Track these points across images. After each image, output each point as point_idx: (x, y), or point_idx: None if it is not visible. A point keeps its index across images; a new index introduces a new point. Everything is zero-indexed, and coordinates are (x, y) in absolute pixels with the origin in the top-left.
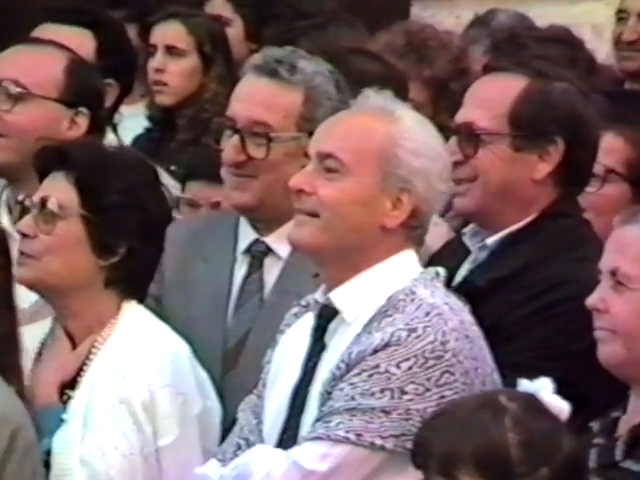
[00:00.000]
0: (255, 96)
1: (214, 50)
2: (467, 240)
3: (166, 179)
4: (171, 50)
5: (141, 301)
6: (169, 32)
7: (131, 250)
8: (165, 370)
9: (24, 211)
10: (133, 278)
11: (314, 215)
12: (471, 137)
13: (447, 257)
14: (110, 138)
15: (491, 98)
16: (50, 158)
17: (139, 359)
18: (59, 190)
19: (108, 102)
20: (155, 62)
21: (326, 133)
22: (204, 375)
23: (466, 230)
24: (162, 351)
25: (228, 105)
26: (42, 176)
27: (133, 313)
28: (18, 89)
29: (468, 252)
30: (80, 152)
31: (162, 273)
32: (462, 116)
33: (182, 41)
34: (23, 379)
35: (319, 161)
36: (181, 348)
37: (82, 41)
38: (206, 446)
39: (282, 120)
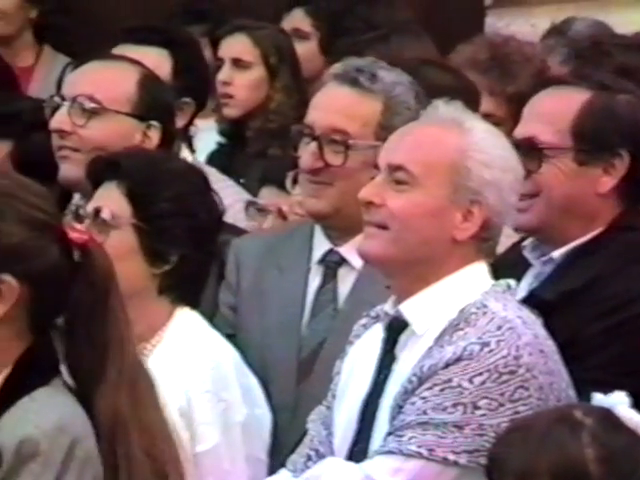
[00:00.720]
0: (335, 104)
1: (280, 61)
2: (527, 253)
3: (230, 186)
4: (237, 63)
5: (194, 307)
6: (235, 45)
7: (183, 257)
8: (206, 376)
9: (79, 221)
10: (185, 285)
11: (383, 227)
12: (533, 152)
13: (506, 270)
14: (184, 154)
15: (553, 112)
16: (102, 168)
17: (180, 365)
18: (111, 200)
19: (183, 120)
20: (222, 75)
21: (396, 145)
22: (254, 382)
23: (526, 243)
24: (205, 357)
25: (294, 115)
26: (95, 186)
27: (184, 320)
28: (92, 104)
29: (527, 265)
30: (130, 162)
31: (238, 283)
32: (523, 131)
33: (248, 53)
34: None
35: (389, 173)
36: (227, 354)
37: (159, 61)
38: (253, 454)
39: (361, 128)
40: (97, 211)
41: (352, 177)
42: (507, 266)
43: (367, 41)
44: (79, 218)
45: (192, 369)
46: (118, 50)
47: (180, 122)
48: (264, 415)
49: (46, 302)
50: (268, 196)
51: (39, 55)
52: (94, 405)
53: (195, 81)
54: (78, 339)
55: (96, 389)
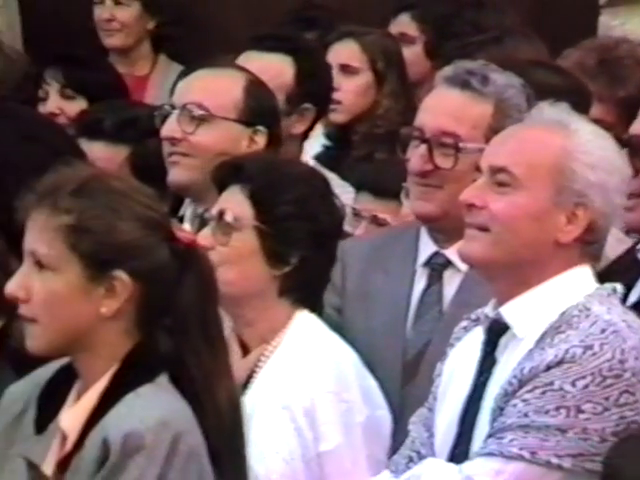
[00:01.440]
0: (445, 107)
1: (387, 66)
2: None
3: (341, 186)
4: (345, 68)
5: (314, 310)
6: (343, 51)
7: (303, 260)
8: (328, 377)
9: (203, 224)
10: (305, 287)
11: (485, 229)
12: None
13: (618, 274)
14: (305, 158)
15: None
16: (226, 172)
17: (303, 366)
18: (235, 203)
19: (303, 126)
20: None
21: (499, 147)
22: (373, 384)
23: None
24: (327, 359)
25: (401, 121)
26: (220, 190)
27: (304, 322)
28: (201, 112)
29: None
30: (253, 165)
31: (343, 285)
32: (637, 127)
33: (355, 59)
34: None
35: (491, 175)
36: (347, 356)
37: (282, 67)
38: (374, 455)
39: (471, 131)
40: (221, 214)
41: (461, 180)
42: (620, 270)
43: (478, 44)
44: (204, 221)
45: (314, 370)
46: (243, 57)
47: (300, 127)
48: (384, 416)
49: (154, 300)
50: (363, 202)
51: (154, 64)
52: (214, 399)
53: (317, 87)
54: (192, 337)
55: (215, 384)
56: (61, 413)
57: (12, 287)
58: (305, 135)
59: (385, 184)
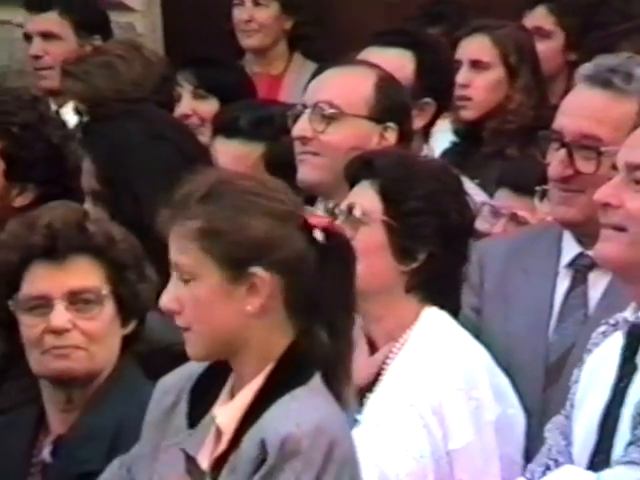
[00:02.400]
0: (585, 108)
1: (520, 60)
2: None
3: (471, 188)
4: (476, 64)
5: (442, 307)
6: (474, 46)
7: (431, 256)
8: (457, 375)
9: (333, 219)
10: (433, 284)
11: (621, 229)
12: None
13: None
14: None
15: None
16: (357, 167)
17: (431, 364)
18: (364, 197)
19: (423, 121)
20: (460, 78)
21: (636, 143)
22: (504, 382)
23: None
24: (455, 356)
25: (533, 116)
26: (352, 185)
27: (432, 319)
28: (332, 110)
29: None
30: (384, 160)
31: (481, 285)
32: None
33: (486, 54)
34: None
35: (628, 172)
36: (477, 353)
37: (403, 62)
38: (507, 455)
39: (613, 133)
40: (350, 208)
41: (604, 184)
42: None
43: (623, 32)
44: (334, 216)
45: (443, 367)
46: (364, 53)
47: (420, 122)
48: (517, 415)
49: (299, 291)
50: (503, 198)
51: (289, 63)
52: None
53: (438, 82)
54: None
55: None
56: (214, 408)
57: (165, 302)
58: (426, 130)
59: (525, 180)
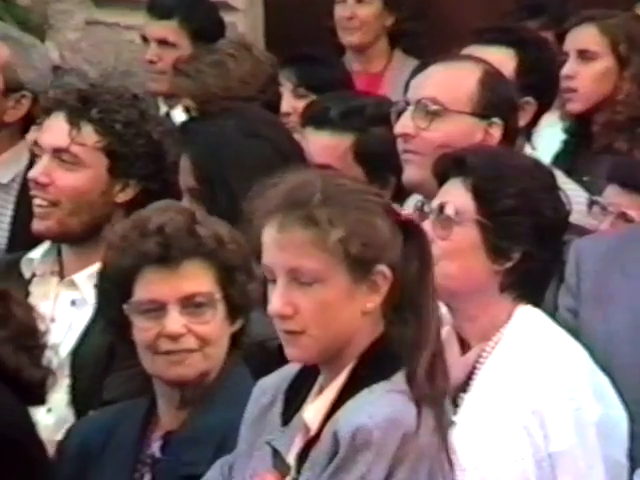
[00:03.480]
0: None
1: (630, 50)
2: None
3: (566, 183)
4: (583, 54)
5: (536, 306)
6: (581, 36)
7: (525, 255)
8: (556, 375)
9: (423, 217)
10: (528, 284)
11: None
12: None
13: None
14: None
15: None
16: (448, 165)
17: (529, 363)
18: (456, 196)
19: (524, 120)
20: (566, 69)
21: None
22: (604, 381)
23: None
24: (553, 355)
25: None
26: (441, 183)
27: (526, 317)
28: (435, 106)
29: None
30: (476, 158)
31: (578, 286)
32: None
33: (594, 43)
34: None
35: None
36: (576, 352)
37: (504, 60)
38: (610, 456)
39: None
40: (441, 207)
41: None
42: None
43: None
44: (423, 214)
45: (541, 367)
46: (466, 51)
47: (521, 121)
48: (620, 416)
49: (396, 286)
50: (612, 195)
51: (390, 60)
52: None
53: (540, 80)
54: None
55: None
56: (304, 406)
57: (277, 307)
58: (527, 130)
59: (635, 177)
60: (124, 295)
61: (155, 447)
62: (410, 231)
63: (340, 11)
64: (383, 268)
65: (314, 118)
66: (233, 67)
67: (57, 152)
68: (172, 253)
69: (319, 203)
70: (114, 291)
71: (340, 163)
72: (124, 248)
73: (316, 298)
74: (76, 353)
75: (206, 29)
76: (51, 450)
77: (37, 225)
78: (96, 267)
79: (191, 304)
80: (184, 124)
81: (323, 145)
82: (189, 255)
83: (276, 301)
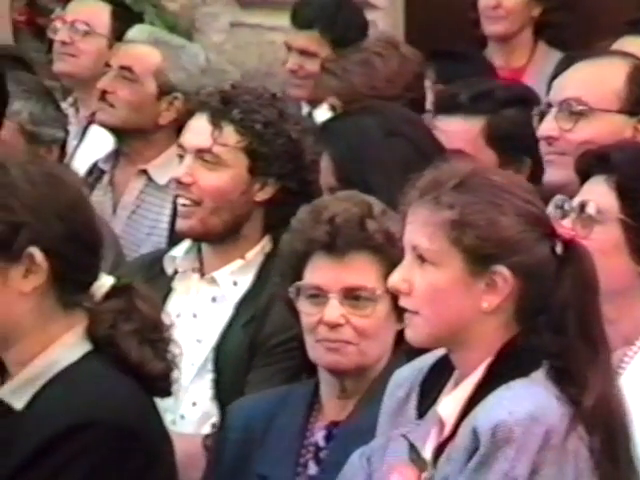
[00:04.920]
0: None
1: None
2: None
3: None
4: None
5: None
6: None
7: None
8: None
9: (563, 215)
10: None
11: None
12: None
13: None
14: None
15: None
16: (591, 162)
17: None
18: (599, 194)
19: None
20: None
21: None
22: None
23: None
24: None
25: None
26: (583, 180)
27: None
28: (580, 107)
29: None
30: (621, 155)
31: None
32: None
33: None
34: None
35: None
36: None
37: None
38: None
39: None
40: (582, 205)
41: None
42: None
43: None
44: (564, 212)
45: None
46: (618, 44)
47: None
48: None
49: (533, 295)
50: None
51: (532, 54)
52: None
53: None
54: (570, 334)
55: (591, 381)
56: (439, 400)
57: (395, 280)
58: None
59: None
60: (296, 277)
61: (319, 436)
62: (570, 250)
63: (485, 0)
64: (503, 269)
65: (444, 105)
66: (380, 66)
67: (200, 152)
68: (338, 243)
69: (451, 188)
70: (289, 272)
71: (472, 147)
72: (299, 232)
73: (429, 279)
74: (219, 349)
75: (347, 37)
76: (197, 442)
77: (180, 224)
78: (236, 264)
79: (352, 296)
80: (325, 123)
81: (455, 130)
82: (355, 247)
83: (395, 275)
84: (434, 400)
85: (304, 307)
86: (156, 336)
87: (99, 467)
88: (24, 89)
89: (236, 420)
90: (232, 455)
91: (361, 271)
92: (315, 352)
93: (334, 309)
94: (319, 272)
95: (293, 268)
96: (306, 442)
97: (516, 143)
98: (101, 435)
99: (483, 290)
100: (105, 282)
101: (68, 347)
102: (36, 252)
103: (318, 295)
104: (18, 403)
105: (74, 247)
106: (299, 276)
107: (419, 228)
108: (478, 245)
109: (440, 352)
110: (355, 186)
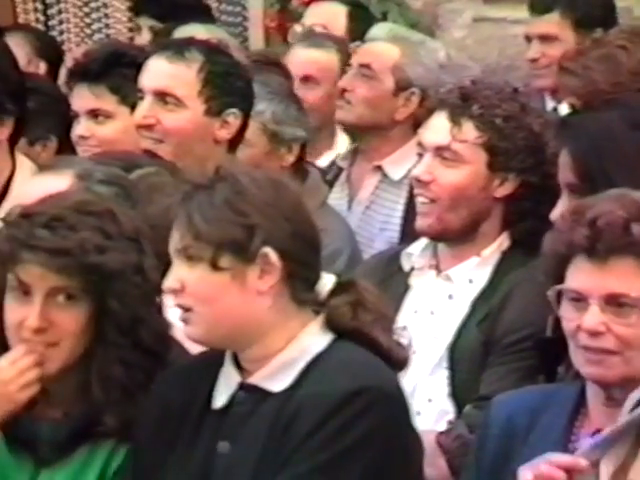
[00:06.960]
0: None
1: None
2: None
3: None
4: None
5: None
6: None
7: None
8: None
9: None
10: None
11: None
12: None
13: None
14: None
15: None
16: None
17: None
18: None
19: None
20: None
21: None
22: None
23: None
24: None
25: None
26: None
27: None
28: None
29: None
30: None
31: None
32: None
33: None
34: None
35: None
36: None
37: None
38: None
39: None
40: None
41: None
42: None
43: None
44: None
45: None
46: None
47: None
48: None
49: None
50: None
51: None
52: None
53: None
54: None
55: None
56: None
57: None
58: None
59: None
60: (559, 279)
61: (584, 443)
62: None
63: None
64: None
65: None
66: (624, 60)
67: (439, 150)
68: (599, 247)
69: None
70: (551, 273)
71: None
72: (560, 232)
73: None
74: (454, 346)
75: (590, 14)
76: (431, 439)
77: (419, 222)
78: (472, 262)
79: (615, 303)
80: (564, 118)
81: None
82: (618, 252)
83: None
84: None
85: (564, 311)
86: (390, 325)
87: (376, 427)
88: (269, 91)
89: (498, 415)
90: (493, 451)
91: (624, 277)
92: (577, 359)
93: (594, 316)
94: (580, 276)
95: (555, 270)
96: (570, 446)
97: None
98: (374, 399)
99: None
100: (328, 280)
101: (315, 335)
102: (270, 252)
103: (579, 299)
104: (277, 386)
105: (301, 246)
106: (561, 278)
107: None
108: None
109: None
110: (597, 183)
